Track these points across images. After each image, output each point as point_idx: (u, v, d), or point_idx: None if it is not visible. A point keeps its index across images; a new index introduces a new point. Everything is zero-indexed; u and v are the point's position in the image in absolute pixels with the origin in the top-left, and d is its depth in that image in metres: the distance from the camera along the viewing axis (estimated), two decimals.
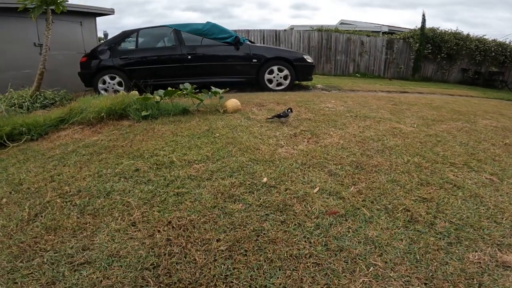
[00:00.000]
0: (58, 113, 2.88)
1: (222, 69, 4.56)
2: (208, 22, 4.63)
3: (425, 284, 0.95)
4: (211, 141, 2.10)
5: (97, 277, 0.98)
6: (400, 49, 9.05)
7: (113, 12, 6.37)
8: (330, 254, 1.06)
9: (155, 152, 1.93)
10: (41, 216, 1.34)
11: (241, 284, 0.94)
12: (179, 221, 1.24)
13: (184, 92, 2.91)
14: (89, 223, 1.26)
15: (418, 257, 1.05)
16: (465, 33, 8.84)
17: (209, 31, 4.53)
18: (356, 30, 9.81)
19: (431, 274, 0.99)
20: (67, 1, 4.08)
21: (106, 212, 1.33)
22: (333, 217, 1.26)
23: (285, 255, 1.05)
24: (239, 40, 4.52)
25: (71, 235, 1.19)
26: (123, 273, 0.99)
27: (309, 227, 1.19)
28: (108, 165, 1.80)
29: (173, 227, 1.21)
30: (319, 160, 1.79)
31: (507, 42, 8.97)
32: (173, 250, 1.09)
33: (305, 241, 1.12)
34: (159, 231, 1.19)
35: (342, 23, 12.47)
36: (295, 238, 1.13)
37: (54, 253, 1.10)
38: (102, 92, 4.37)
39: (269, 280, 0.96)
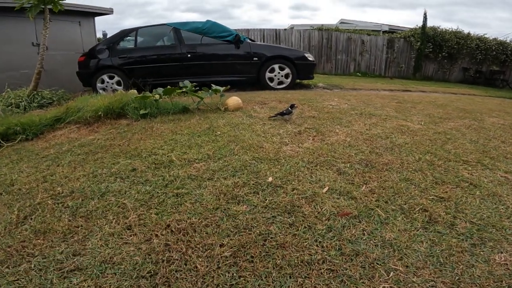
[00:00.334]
0: (54, 113, 2.80)
1: (223, 68, 4.49)
2: (208, 21, 4.56)
3: None
4: (212, 139, 2.01)
5: (88, 286, 0.89)
6: (401, 48, 9.00)
7: (112, 11, 6.31)
8: (346, 259, 0.96)
9: (154, 151, 1.84)
10: (31, 219, 1.25)
11: None
12: (178, 224, 1.15)
13: (183, 90, 2.83)
14: (81, 226, 1.16)
15: (441, 260, 0.97)
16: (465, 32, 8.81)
17: (209, 29, 4.46)
18: (356, 29, 9.77)
19: (457, 277, 0.91)
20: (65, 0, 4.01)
21: (99, 214, 1.23)
22: (345, 218, 1.16)
23: (296, 261, 0.96)
24: (239, 39, 4.45)
25: (61, 239, 1.10)
26: (117, 281, 0.90)
27: (320, 230, 1.09)
28: (104, 165, 1.71)
29: (172, 231, 1.12)
30: (326, 158, 1.70)
31: (508, 41, 8.93)
32: (172, 256, 0.99)
33: (317, 245, 1.02)
34: (156, 235, 1.10)
35: (342, 22, 12.44)
36: (305, 242, 1.04)
37: (43, 259, 1.01)
38: (101, 91, 4.29)
39: None
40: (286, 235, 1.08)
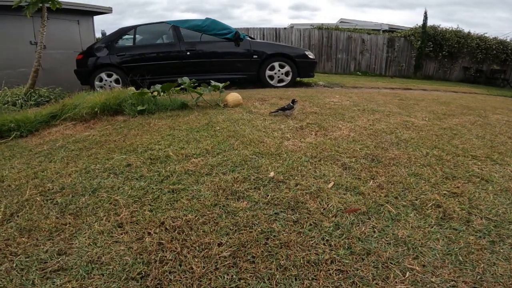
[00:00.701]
0: (49, 109, 2.74)
1: (222, 66, 4.42)
2: (207, 18, 4.50)
3: None
4: (211, 134, 1.93)
5: (72, 287, 0.81)
6: (401, 47, 8.95)
7: (111, 10, 6.26)
8: (356, 258, 0.88)
9: (150, 147, 1.76)
10: (17, 216, 1.17)
11: None
12: (173, 222, 1.06)
13: (182, 87, 2.76)
14: (69, 223, 1.08)
15: (461, 259, 0.89)
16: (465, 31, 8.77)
17: (209, 27, 4.39)
18: (356, 28, 9.72)
19: (479, 277, 0.83)
20: None
21: (89, 211, 1.15)
22: (353, 215, 1.08)
23: (301, 261, 0.88)
24: (239, 36, 4.38)
25: (47, 237, 1.02)
26: (104, 283, 0.82)
27: (327, 227, 1.01)
28: (97, 161, 1.63)
29: (166, 228, 1.03)
30: (330, 153, 1.62)
31: (508, 40, 8.89)
32: (165, 256, 0.91)
33: (324, 244, 0.94)
34: (149, 233, 1.01)
35: (342, 21, 12.40)
36: (311, 240, 0.96)
37: (26, 258, 0.94)
38: (99, 89, 4.22)
39: None
40: (290, 233, 0.99)
